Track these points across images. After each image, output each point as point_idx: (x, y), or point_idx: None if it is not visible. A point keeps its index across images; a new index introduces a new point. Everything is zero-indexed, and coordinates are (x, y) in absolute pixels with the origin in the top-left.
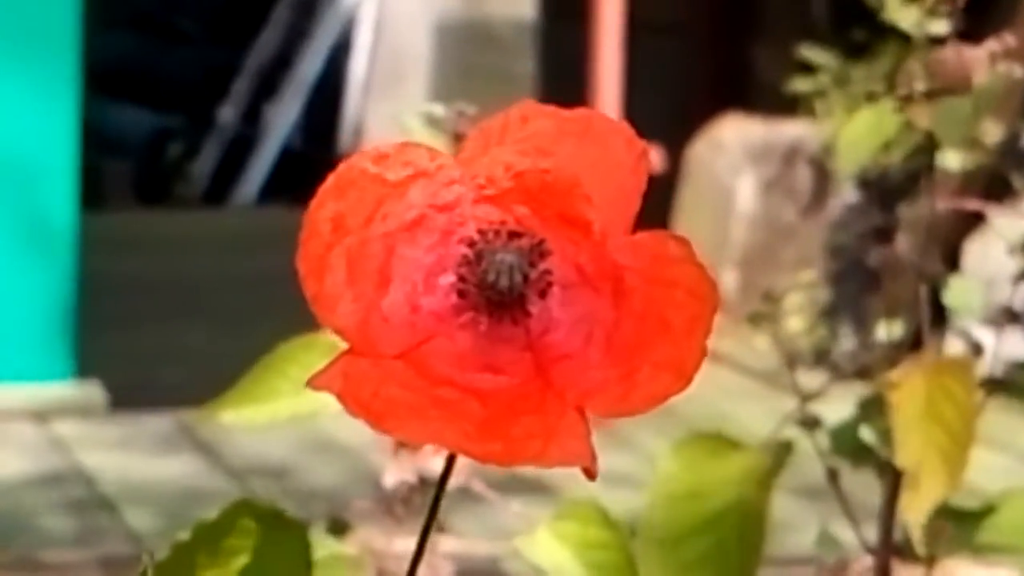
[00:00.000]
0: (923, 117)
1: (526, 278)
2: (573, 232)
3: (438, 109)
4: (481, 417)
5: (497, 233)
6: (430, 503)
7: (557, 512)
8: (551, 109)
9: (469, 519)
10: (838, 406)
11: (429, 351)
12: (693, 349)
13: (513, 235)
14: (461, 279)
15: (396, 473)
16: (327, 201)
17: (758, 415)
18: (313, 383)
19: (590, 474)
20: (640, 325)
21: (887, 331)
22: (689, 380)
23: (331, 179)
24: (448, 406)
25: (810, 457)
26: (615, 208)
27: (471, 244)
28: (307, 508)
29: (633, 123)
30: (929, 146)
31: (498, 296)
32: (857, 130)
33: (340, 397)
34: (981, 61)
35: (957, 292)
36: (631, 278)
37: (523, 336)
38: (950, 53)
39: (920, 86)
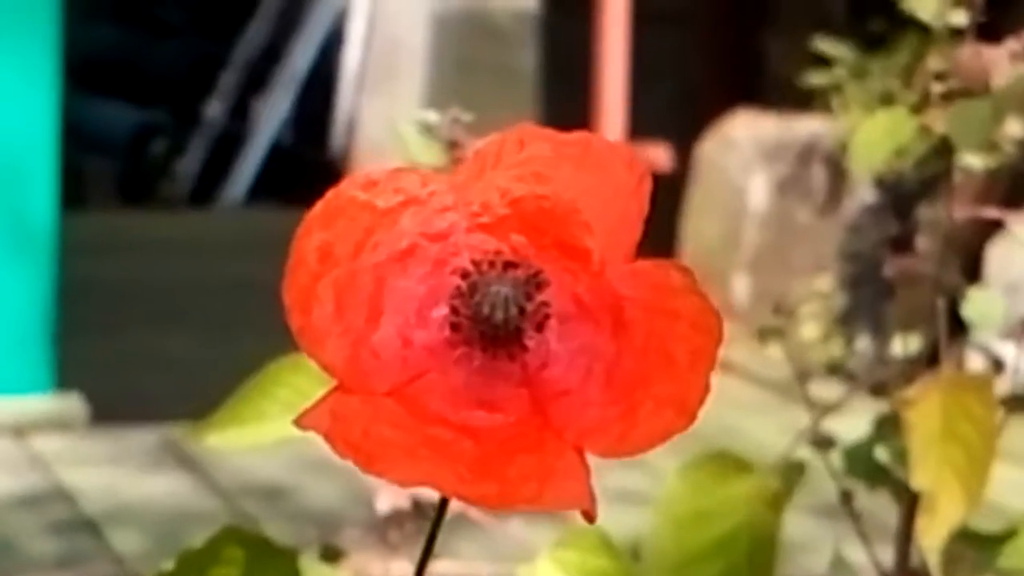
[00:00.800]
0: (939, 121)
1: (522, 310)
2: (571, 262)
3: (432, 116)
4: (475, 457)
5: (492, 263)
6: (427, 531)
7: (558, 540)
8: (548, 132)
9: (466, 543)
10: (854, 420)
11: (421, 388)
12: (697, 384)
13: (509, 265)
14: (454, 312)
15: (389, 498)
16: (314, 230)
17: (771, 429)
18: (300, 423)
19: (589, 517)
20: (641, 359)
21: (903, 345)
22: (693, 417)
23: (318, 207)
24: (440, 446)
25: (824, 475)
26: (615, 235)
27: (465, 275)
28: (300, 530)
29: (639, 120)
30: (946, 149)
31: (493, 330)
32: (871, 134)
33: (328, 437)
34: (1001, 61)
35: (976, 304)
36: (632, 309)
37: (519, 371)
38: (968, 53)
39: (937, 88)
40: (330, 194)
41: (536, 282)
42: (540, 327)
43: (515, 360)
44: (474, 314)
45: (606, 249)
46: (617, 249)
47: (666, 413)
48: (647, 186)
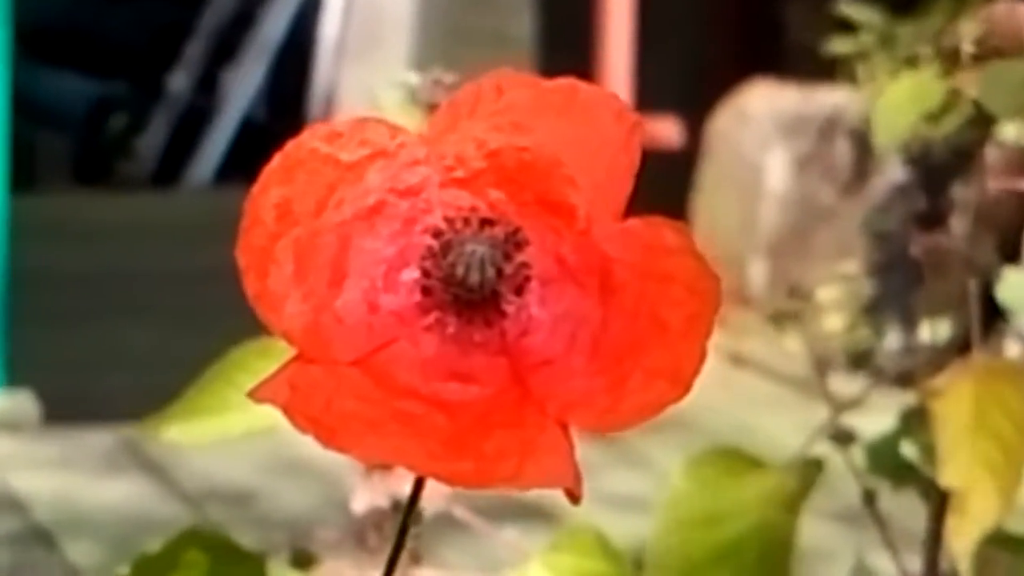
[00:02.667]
0: (972, 84)
1: (500, 272)
2: (554, 219)
3: (413, 78)
4: (448, 432)
5: (467, 221)
6: (398, 531)
7: (552, 542)
8: (529, 78)
9: (454, 549)
10: (879, 415)
11: (389, 357)
12: (691, 353)
13: (485, 223)
14: (426, 274)
15: (366, 497)
16: (272, 185)
17: (789, 428)
18: (256, 395)
19: (574, 497)
20: (631, 326)
21: (931, 332)
22: (687, 388)
23: (276, 160)
24: (411, 420)
25: (845, 473)
26: (603, 191)
27: (437, 234)
28: (271, 539)
29: (646, 91)
30: (980, 118)
31: (468, 293)
32: (896, 99)
33: (287, 410)
34: None
35: (1012, 287)
36: (621, 272)
37: (497, 339)
38: (1003, 10)
39: (968, 48)
40: (289, 146)
41: (515, 241)
42: (520, 290)
43: (492, 327)
44: (447, 276)
45: (592, 206)
46: (605, 206)
47: (658, 384)
48: (638, 137)
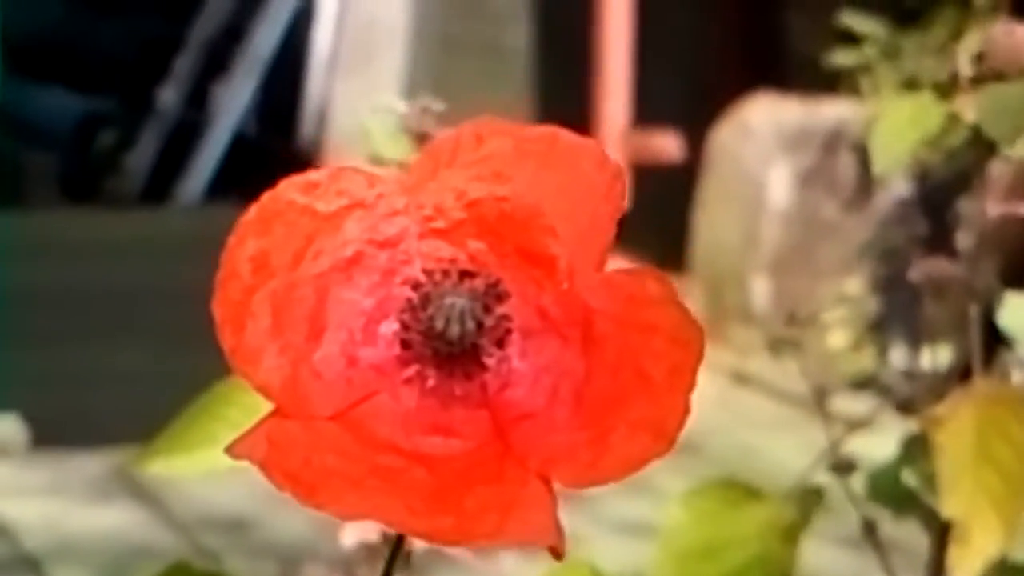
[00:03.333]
0: (969, 108)
1: (480, 325)
2: (535, 270)
3: (400, 105)
4: (429, 488)
5: (446, 273)
6: (394, 569)
7: (544, 574)
8: (509, 126)
9: None
10: (883, 440)
11: (368, 411)
12: (675, 405)
13: (465, 275)
14: (405, 327)
15: (356, 531)
16: (248, 237)
17: (793, 449)
18: (233, 451)
19: (556, 554)
20: (614, 378)
21: (932, 358)
22: (672, 442)
23: (252, 211)
24: (390, 476)
25: (848, 502)
26: (584, 241)
27: (416, 286)
28: (264, 568)
29: (646, 104)
30: (979, 139)
31: (448, 346)
32: (894, 122)
33: (263, 467)
34: None
35: (1015, 312)
36: (603, 323)
37: (477, 393)
38: (1002, 31)
39: (966, 71)
40: (265, 197)
41: (496, 293)
42: (501, 343)
43: (473, 380)
44: (427, 329)
45: (574, 257)
46: (586, 257)
47: (641, 438)
48: (621, 187)
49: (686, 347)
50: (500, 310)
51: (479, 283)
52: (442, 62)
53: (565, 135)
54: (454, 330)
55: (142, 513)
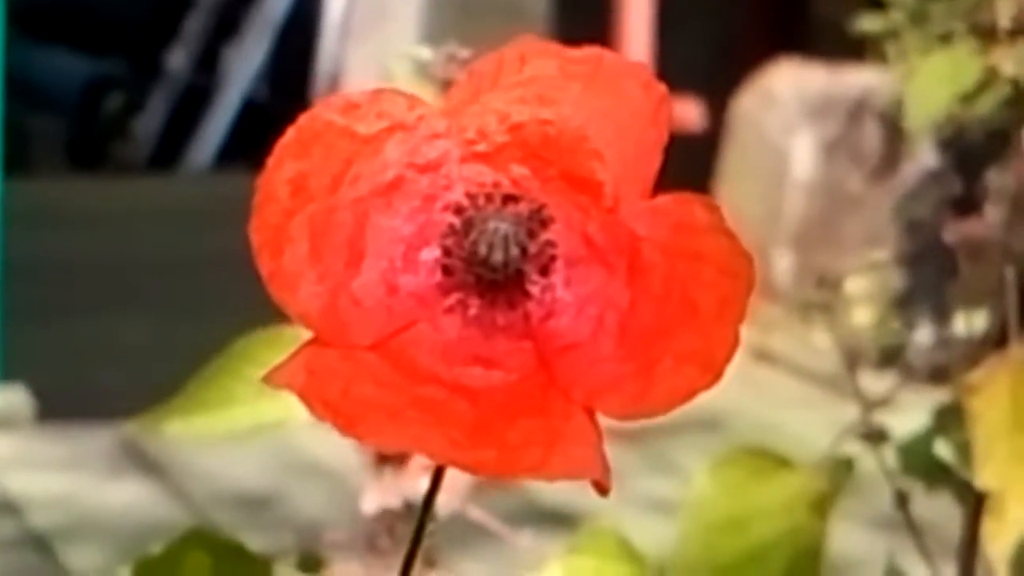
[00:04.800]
0: (1008, 61)
1: (524, 251)
2: (580, 196)
3: (425, 52)
4: (471, 420)
5: (489, 197)
6: (414, 531)
7: (572, 544)
8: (554, 47)
9: (469, 552)
10: (913, 415)
11: (409, 341)
12: (724, 337)
13: (508, 199)
14: (447, 253)
15: (377, 497)
16: (286, 160)
17: (818, 428)
18: (271, 379)
19: (601, 488)
20: (660, 308)
21: (966, 324)
22: (719, 375)
23: (291, 133)
24: (431, 407)
25: (878, 478)
26: (630, 167)
27: (459, 210)
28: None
29: (667, 70)
30: (1018, 97)
31: (491, 273)
32: (929, 79)
33: (303, 396)
34: None
35: None
36: (650, 251)
37: (521, 322)
38: None
39: (1004, 23)
40: (304, 119)
41: (540, 218)
42: (545, 270)
43: (516, 309)
44: (469, 255)
45: (620, 182)
46: (632, 183)
47: (688, 370)
48: (667, 110)
49: (735, 277)
50: (544, 236)
51: (523, 208)
52: (459, 25)
53: (611, 56)
54: (497, 255)
55: (152, 488)
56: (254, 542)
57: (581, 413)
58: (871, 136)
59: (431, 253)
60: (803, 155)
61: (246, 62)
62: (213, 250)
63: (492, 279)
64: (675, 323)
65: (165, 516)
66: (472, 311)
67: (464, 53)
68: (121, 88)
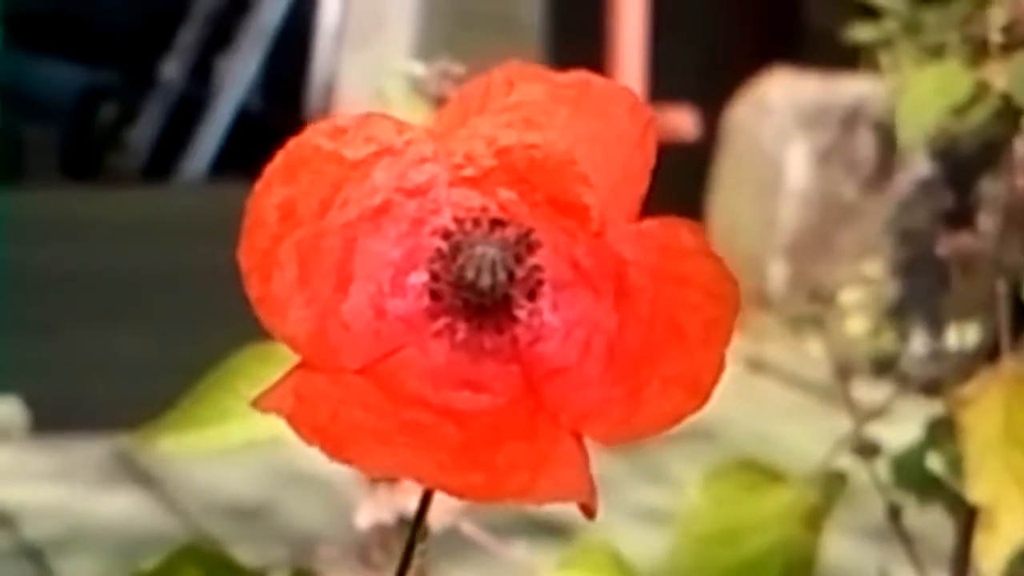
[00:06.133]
0: (999, 75)
1: (511, 276)
2: (567, 220)
3: (418, 68)
4: (459, 444)
5: (477, 222)
6: (405, 548)
7: (564, 558)
8: (541, 72)
9: (462, 567)
10: (906, 427)
11: (397, 365)
12: (710, 360)
13: (496, 224)
14: (434, 277)
15: (371, 513)
16: (274, 184)
17: (812, 438)
18: (260, 404)
19: (589, 512)
20: (647, 332)
21: (959, 336)
22: (706, 398)
23: (279, 158)
24: (419, 431)
25: (871, 490)
26: (617, 191)
27: (446, 235)
28: (272, 556)
29: (660, 80)
30: (1009, 110)
31: (478, 297)
32: (921, 92)
33: (291, 421)
34: None
35: None
36: (636, 275)
37: (508, 346)
38: None
39: (996, 37)
40: (292, 144)
41: (527, 243)
42: (532, 295)
43: (504, 333)
44: (457, 280)
45: (607, 206)
46: (619, 206)
47: (675, 394)
48: (654, 134)
49: (722, 300)
50: (532, 260)
51: (510, 233)
52: (453, 35)
53: (598, 81)
54: (485, 280)
55: (146, 500)
56: (247, 555)
57: (568, 437)
58: (865, 145)
59: (419, 277)
60: (797, 164)
61: (240, 72)
62: (208, 261)
63: (480, 303)
64: (662, 347)
65: (158, 528)
66: (460, 335)
67: (457, 69)
68: (115, 98)
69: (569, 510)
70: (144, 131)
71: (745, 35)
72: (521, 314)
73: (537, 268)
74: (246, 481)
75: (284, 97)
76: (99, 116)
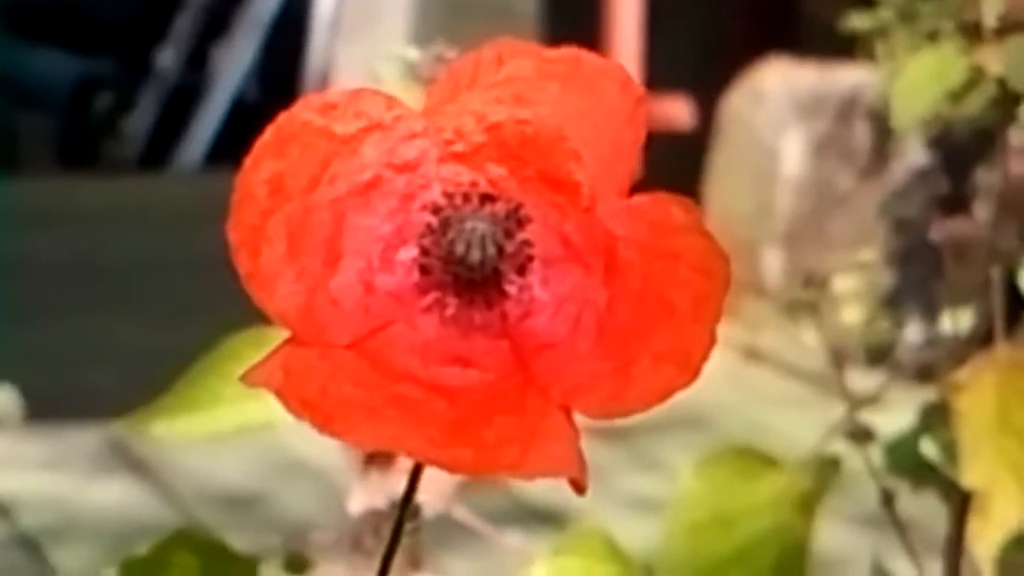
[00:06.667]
0: (995, 60)
1: (501, 251)
2: (557, 196)
3: (413, 53)
4: (448, 419)
5: (467, 197)
6: (403, 535)
7: (558, 545)
8: (531, 48)
9: (455, 553)
10: (900, 415)
11: (386, 340)
12: (700, 336)
13: (486, 199)
14: (424, 252)
15: (363, 497)
16: (264, 159)
17: (805, 427)
18: (249, 379)
19: (578, 486)
20: (637, 308)
21: (953, 323)
22: (696, 373)
23: (269, 133)
24: (409, 406)
25: (864, 477)
26: (607, 166)
27: (436, 210)
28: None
29: (656, 69)
30: (1004, 96)
31: (468, 272)
32: (916, 77)
33: (280, 395)
34: None
35: None
36: (627, 251)
37: (498, 321)
38: None
39: (990, 22)
40: (282, 119)
41: (517, 218)
42: (522, 270)
43: (493, 308)
44: (447, 254)
45: (597, 182)
46: (609, 182)
47: (665, 369)
48: (644, 110)
49: (711, 276)
50: (521, 236)
51: (500, 208)
52: (449, 25)
53: (588, 57)
54: (475, 255)
55: (140, 488)
56: (240, 542)
57: (558, 412)
58: (861, 134)
59: (408, 252)
60: (793, 153)
61: (236, 62)
62: (203, 249)
63: (469, 278)
64: (652, 322)
65: (152, 515)
66: (449, 310)
67: (451, 54)
68: (111, 87)
69: (563, 499)
70: (140, 120)
71: (741, 24)
72: (511, 289)
73: (527, 243)
74: (239, 469)
75: (280, 86)
76: (95, 105)
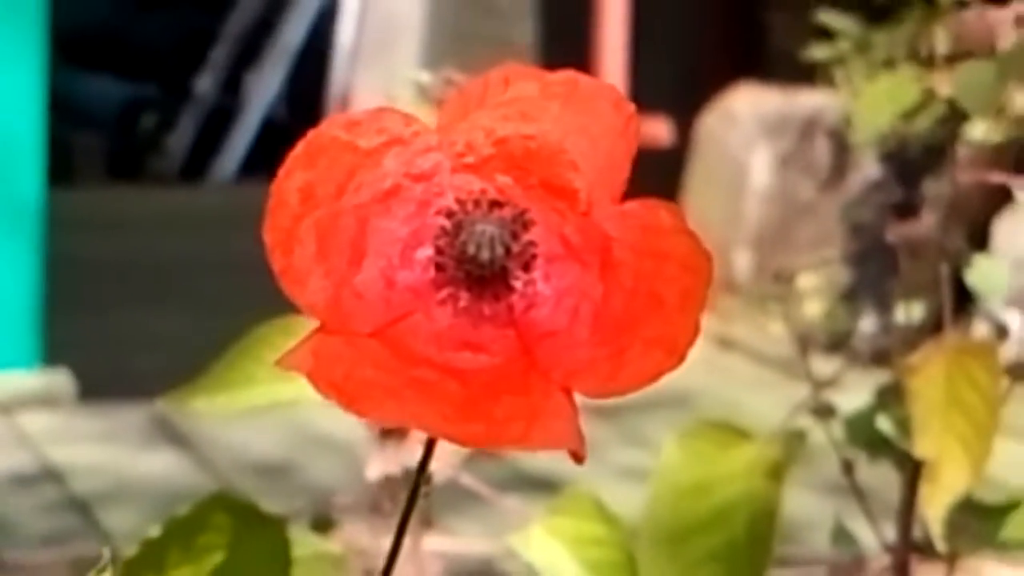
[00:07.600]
0: (945, 84)
1: (508, 250)
2: (558, 202)
3: (425, 77)
4: (461, 398)
5: (477, 203)
6: (415, 499)
7: (552, 507)
8: (534, 71)
9: (462, 516)
10: (856, 395)
11: (405, 329)
12: (686, 325)
13: (494, 205)
14: (439, 252)
15: (380, 466)
16: (296, 170)
17: (774, 406)
18: (282, 363)
19: (577, 457)
20: (630, 300)
21: (906, 314)
22: (682, 358)
23: (300, 147)
24: (426, 387)
25: (827, 450)
26: (603, 176)
27: (449, 215)
28: (294, 506)
29: (639, 93)
30: (952, 116)
31: (479, 269)
32: (874, 98)
33: (310, 377)
34: (1006, 24)
35: (981, 272)
36: (620, 250)
37: (505, 312)
38: (973, 15)
39: (942, 50)
40: (312, 134)
41: (522, 221)
42: (527, 267)
43: (501, 301)
44: (459, 254)
45: (593, 189)
46: (605, 189)
47: (655, 354)
48: (635, 126)
49: (696, 272)
50: (526, 237)
51: (507, 212)
52: (454, 54)
53: (585, 79)
54: (484, 254)
55: (181, 459)
56: (271, 505)
57: (559, 392)
58: (821, 150)
59: (425, 252)
60: (760, 167)
61: (266, 86)
62: (237, 252)
63: (480, 275)
64: (643, 313)
65: (192, 483)
66: (462, 303)
67: (460, 77)
68: (155, 109)
69: (558, 468)
70: (181, 137)
71: (715, 54)
72: (517, 284)
73: (531, 243)
74: (271, 442)
75: (305, 107)
76: (141, 124)
